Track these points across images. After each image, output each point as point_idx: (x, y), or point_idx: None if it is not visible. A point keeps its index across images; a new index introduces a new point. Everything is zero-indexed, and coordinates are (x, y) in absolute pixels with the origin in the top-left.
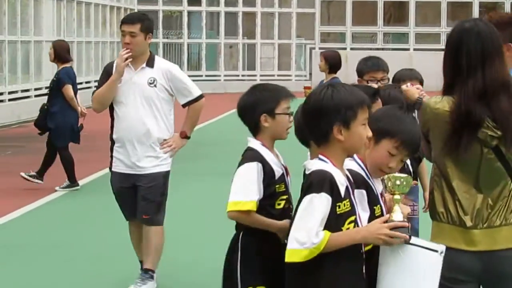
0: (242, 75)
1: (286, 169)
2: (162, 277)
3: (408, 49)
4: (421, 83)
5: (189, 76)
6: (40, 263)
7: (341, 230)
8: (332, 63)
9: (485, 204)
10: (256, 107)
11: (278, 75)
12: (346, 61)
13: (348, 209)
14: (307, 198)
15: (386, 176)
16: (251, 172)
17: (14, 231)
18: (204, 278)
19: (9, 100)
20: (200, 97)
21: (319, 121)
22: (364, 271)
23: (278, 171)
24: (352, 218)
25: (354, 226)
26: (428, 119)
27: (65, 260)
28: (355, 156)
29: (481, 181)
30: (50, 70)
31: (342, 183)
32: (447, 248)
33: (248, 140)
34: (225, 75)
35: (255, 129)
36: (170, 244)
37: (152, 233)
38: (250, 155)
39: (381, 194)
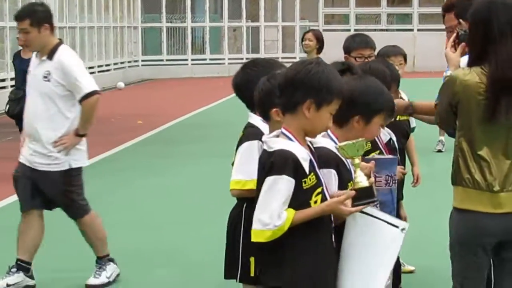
0: (247, 58)
1: None
2: (163, 258)
3: (412, 30)
4: (405, 58)
5: (193, 60)
6: (48, 244)
7: (309, 203)
8: (322, 43)
9: (511, 169)
10: (251, 83)
11: (282, 58)
12: None
13: (314, 182)
14: (270, 179)
15: (337, 146)
16: (252, 151)
17: (14, 213)
18: (204, 258)
19: (11, 86)
20: (92, 93)
21: (296, 91)
22: (333, 243)
23: None
24: (319, 189)
25: (322, 197)
26: (457, 91)
27: (62, 239)
28: (329, 132)
29: (510, 147)
30: None
31: (305, 158)
32: (473, 212)
33: (249, 115)
34: (229, 59)
35: (252, 106)
36: (168, 226)
37: (81, 225)
38: (251, 133)
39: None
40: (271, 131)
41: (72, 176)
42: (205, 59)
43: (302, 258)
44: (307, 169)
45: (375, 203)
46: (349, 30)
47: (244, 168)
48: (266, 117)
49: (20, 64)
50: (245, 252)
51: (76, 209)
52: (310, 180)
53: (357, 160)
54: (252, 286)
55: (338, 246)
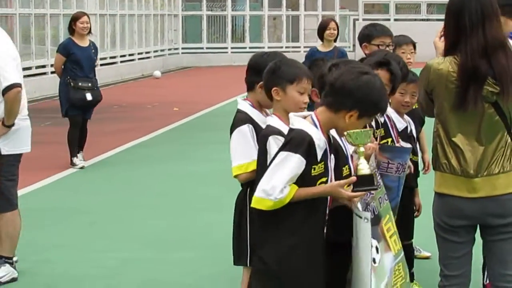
0: (286, 47)
1: None
2: (179, 241)
3: None
4: (414, 46)
5: (233, 48)
6: (66, 225)
7: None
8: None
9: (485, 155)
10: (262, 71)
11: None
12: None
13: (321, 171)
14: (283, 154)
15: (345, 133)
16: (245, 135)
17: (46, 196)
18: (219, 240)
19: (51, 72)
20: (12, 86)
21: (346, 98)
22: (324, 225)
23: None
24: (324, 179)
25: None
26: (432, 79)
27: (89, 223)
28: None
29: (482, 134)
30: None
31: (321, 146)
32: (449, 196)
33: (238, 102)
34: (269, 47)
35: (250, 88)
36: (195, 211)
37: (1, 220)
38: (240, 118)
39: (351, 156)
40: (275, 109)
41: (1, 163)
42: (245, 48)
43: (286, 239)
44: (319, 157)
45: (375, 190)
46: (388, 19)
47: (242, 152)
48: (269, 97)
49: (83, 52)
50: (253, 236)
51: (3, 203)
52: (319, 167)
53: (361, 148)
54: None
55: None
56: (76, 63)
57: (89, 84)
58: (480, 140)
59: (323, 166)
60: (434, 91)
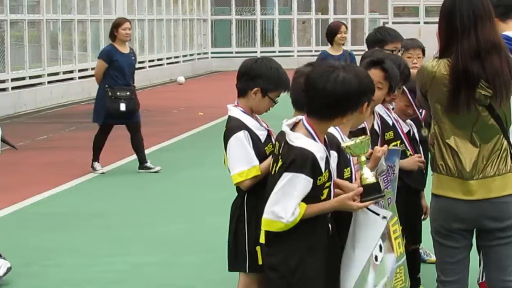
0: (316, 51)
1: (269, 131)
2: (190, 245)
3: None
4: (423, 51)
5: (262, 52)
6: (79, 230)
7: (320, 197)
8: None
9: (480, 157)
10: (258, 78)
11: (351, 50)
12: (420, 35)
13: (326, 179)
14: (288, 175)
15: (343, 145)
16: (242, 141)
17: (63, 200)
18: None
19: (79, 78)
20: None
21: (345, 105)
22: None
23: (262, 135)
24: (328, 184)
25: (328, 191)
26: (425, 81)
27: (103, 227)
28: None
29: (477, 136)
30: None
31: (322, 157)
32: (445, 198)
33: (228, 108)
34: (298, 51)
35: (242, 94)
36: (196, 215)
37: None
38: (234, 125)
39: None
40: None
41: None
42: (274, 52)
43: (297, 240)
44: (323, 168)
45: (382, 198)
46: (418, 22)
47: (241, 159)
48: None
49: (125, 58)
50: (251, 242)
51: None
52: (324, 177)
53: (363, 158)
54: (258, 274)
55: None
56: (118, 70)
57: (128, 93)
58: (474, 142)
59: (327, 173)
60: (428, 93)
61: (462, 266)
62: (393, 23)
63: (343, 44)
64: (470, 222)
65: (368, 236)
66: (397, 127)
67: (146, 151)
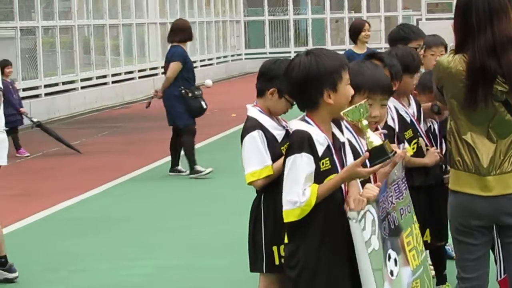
0: (349, 49)
1: (288, 131)
2: (216, 248)
3: None
4: (445, 48)
5: (296, 52)
6: (106, 234)
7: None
8: None
9: (497, 153)
10: (275, 79)
11: (385, 48)
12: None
13: (328, 167)
14: (290, 159)
15: (342, 113)
16: (255, 141)
17: (92, 205)
18: None
19: (113, 82)
20: None
21: (309, 90)
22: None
23: (279, 135)
24: (331, 176)
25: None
26: (441, 76)
27: (130, 231)
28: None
29: (493, 132)
30: (154, 52)
31: (321, 142)
32: (463, 194)
33: (247, 108)
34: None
35: (260, 94)
36: (223, 217)
37: None
38: (250, 125)
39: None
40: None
41: None
42: None
43: (314, 237)
44: (320, 153)
45: (389, 158)
46: (451, 18)
47: (254, 159)
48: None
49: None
50: (268, 242)
51: None
52: (325, 164)
53: (364, 122)
54: (277, 274)
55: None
56: (190, 71)
57: (201, 92)
58: (491, 138)
59: (328, 162)
60: (444, 89)
61: (482, 263)
62: (427, 19)
63: (367, 42)
64: (489, 218)
65: (355, 243)
66: (415, 123)
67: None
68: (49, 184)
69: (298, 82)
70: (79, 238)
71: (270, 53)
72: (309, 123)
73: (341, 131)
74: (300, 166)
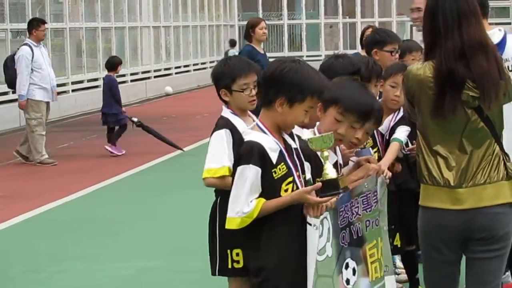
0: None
1: None
2: (196, 250)
3: (509, 23)
4: None
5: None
6: (89, 236)
7: (279, 192)
8: None
9: (470, 164)
10: (218, 80)
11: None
12: None
13: (284, 172)
14: (239, 169)
15: (307, 139)
16: (220, 139)
17: (77, 207)
18: None
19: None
20: None
21: (272, 86)
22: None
23: None
24: (290, 179)
25: (293, 187)
26: (411, 85)
27: (112, 233)
28: (315, 129)
29: (466, 142)
30: (147, 55)
31: (273, 149)
32: (432, 209)
33: (223, 109)
34: (326, 55)
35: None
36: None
37: None
38: (220, 123)
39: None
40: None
41: None
42: (302, 56)
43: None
44: (274, 160)
45: (340, 195)
46: None
47: (214, 156)
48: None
49: (264, 59)
50: (222, 245)
51: None
52: (280, 170)
53: (325, 153)
54: (240, 278)
55: None
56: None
57: None
58: (463, 148)
59: (284, 166)
60: (414, 98)
61: (451, 281)
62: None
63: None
64: (459, 233)
65: (309, 248)
66: (375, 133)
67: (170, 156)
68: (34, 186)
69: (271, 76)
70: (60, 239)
71: None
72: (261, 128)
73: (293, 139)
74: (248, 177)
